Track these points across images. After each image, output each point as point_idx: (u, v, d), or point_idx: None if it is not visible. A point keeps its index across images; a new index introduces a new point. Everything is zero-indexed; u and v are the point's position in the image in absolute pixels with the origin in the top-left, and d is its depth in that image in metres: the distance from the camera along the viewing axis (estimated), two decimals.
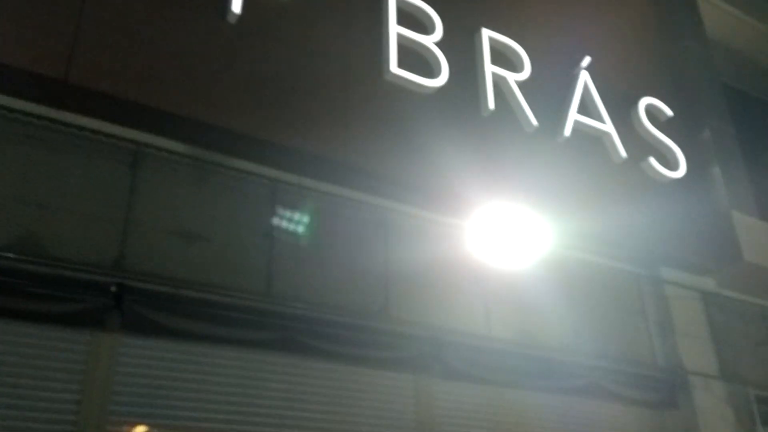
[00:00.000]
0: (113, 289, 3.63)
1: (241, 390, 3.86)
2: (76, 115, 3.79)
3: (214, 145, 4.11)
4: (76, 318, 3.52)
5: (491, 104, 4.97)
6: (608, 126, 5.52)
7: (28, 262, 3.48)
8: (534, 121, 5.11)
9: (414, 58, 4.81)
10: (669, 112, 6.02)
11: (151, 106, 3.70)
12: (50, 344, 3.48)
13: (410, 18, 4.94)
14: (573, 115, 5.37)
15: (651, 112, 5.94)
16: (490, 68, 5.11)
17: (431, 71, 4.84)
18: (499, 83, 5.14)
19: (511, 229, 4.54)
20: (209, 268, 3.99)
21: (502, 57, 5.28)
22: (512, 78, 5.19)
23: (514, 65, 5.33)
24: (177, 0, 4.03)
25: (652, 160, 5.65)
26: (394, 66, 4.65)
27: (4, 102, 3.68)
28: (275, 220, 4.31)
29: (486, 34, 5.23)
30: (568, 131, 5.28)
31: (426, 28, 4.98)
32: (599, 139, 5.51)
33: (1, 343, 3.37)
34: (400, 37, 4.78)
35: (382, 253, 4.59)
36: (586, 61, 5.64)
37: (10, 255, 3.45)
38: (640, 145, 5.72)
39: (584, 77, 5.60)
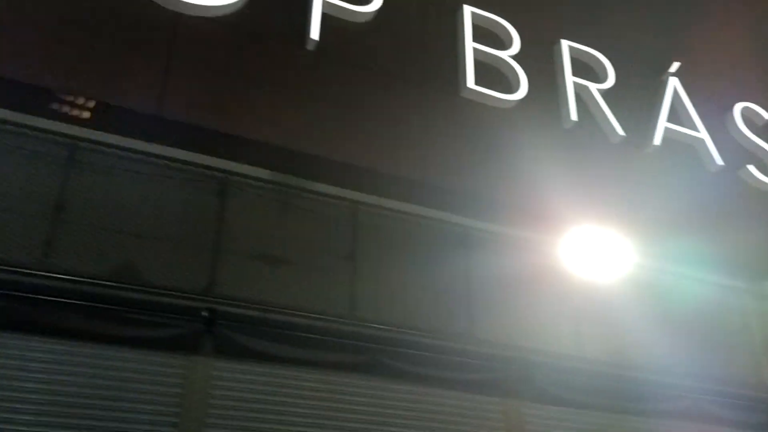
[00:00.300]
0: (205, 314, 3.76)
1: (328, 413, 3.90)
2: (167, 147, 3.96)
3: (296, 170, 4.20)
4: (172, 342, 3.68)
5: (574, 115, 4.83)
6: (702, 133, 5.24)
7: (126, 289, 3.66)
8: (620, 131, 4.92)
9: (492, 73, 4.74)
10: (767, 117, 5.66)
11: (238, 135, 3.81)
12: (149, 368, 3.63)
13: (486, 33, 4.88)
14: (663, 123, 5.13)
15: (747, 116, 5.59)
16: (571, 79, 4.97)
17: (509, 86, 4.76)
18: (582, 94, 4.99)
19: (600, 245, 4.37)
20: (294, 291, 4.08)
21: (583, 67, 5.12)
22: (595, 87, 5.02)
23: (597, 75, 5.15)
24: (258, 31, 4.14)
25: (751, 168, 5.31)
26: (471, 82, 4.60)
27: (100, 137, 3.90)
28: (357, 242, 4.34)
29: (566, 44, 5.09)
30: (658, 140, 5.04)
31: (503, 42, 4.90)
32: (692, 147, 5.24)
33: (103, 368, 3.55)
34: (476, 52, 4.73)
35: (465, 272, 4.53)
36: (675, 66, 5.39)
37: (110, 283, 3.64)
38: (737, 152, 5.39)
39: (673, 83, 5.34)
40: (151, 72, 3.72)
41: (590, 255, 4.47)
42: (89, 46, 3.62)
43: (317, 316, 4.02)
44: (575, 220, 4.39)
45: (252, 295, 3.95)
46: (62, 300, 3.51)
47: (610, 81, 5.11)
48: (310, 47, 4.24)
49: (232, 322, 3.80)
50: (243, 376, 3.80)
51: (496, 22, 4.91)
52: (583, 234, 4.39)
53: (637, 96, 5.20)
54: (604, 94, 5.05)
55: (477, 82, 4.61)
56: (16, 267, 3.48)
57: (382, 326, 4.12)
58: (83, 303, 3.55)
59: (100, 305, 3.58)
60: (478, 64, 4.70)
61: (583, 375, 4.45)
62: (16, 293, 3.41)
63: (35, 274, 3.50)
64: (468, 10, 4.81)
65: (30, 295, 3.45)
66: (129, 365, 3.60)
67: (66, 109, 3.58)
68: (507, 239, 4.63)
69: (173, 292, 3.74)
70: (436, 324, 4.28)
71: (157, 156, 3.99)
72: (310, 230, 4.26)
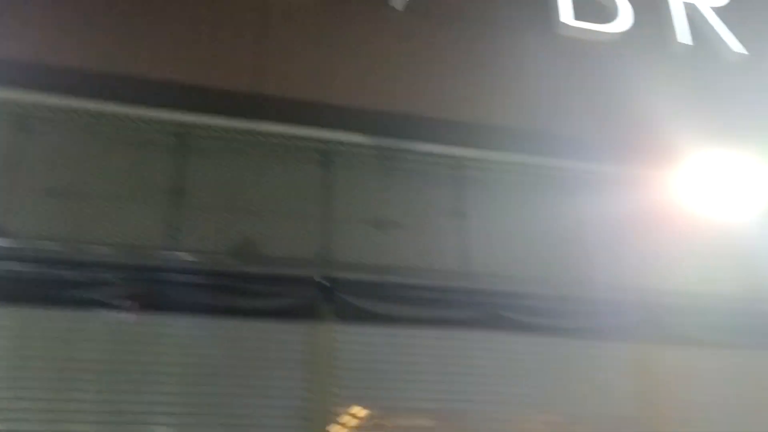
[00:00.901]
0: (322, 281, 3.86)
1: (452, 369, 3.91)
2: (269, 123, 4.05)
3: (396, 132, 4.17)
4: (293, 312, 3.80)
5: (683, 37, 4.48)
6: None
7: (247, 263, 3.81)
8: (738, 48, 4.52)
9: (586, 4, 4.47)
10: None
11: (337, 104, 3.83)
12: (273, 337, 3.78)
13: None
14: None
15: None
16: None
17: (608, 16, 4.47)
18: (692, 15, 4.61)
19: (729, 178, 4.05)
20: (406, 253, 4.09)
21: None
22: (707, 4, 4.63)
23: None
24: None
25: None
26: (566, 17, 4.37)
27: (208, 122, 4.04)
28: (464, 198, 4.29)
29: None
30: None
31: None
32: None
33: (233, 340, 3.73)
34: None
35: (579, 217, 4.35)
36: None
37: (231, 259, 3.80)
38: None
39: None
40: (248, 51, 3.81)
41: (716, 186, 4.16)
42: (187, 34, 3.75)
43: (430, 275, 4.02)
44: (696, 150, 4.09)
45: (365, 259, 4.00)
46: (189, 278, 3.71)
47: None
48: (398, 7, 4.18)
49: (348, 287, 3.87)
50: (364, 339, 3.87)
51: None
52: (705, 164, 4.08)
53: (759, 10, 4.75)
54: (719, 11, 4.65)
55: (573, 17, 4.38)
56: (145, 250, 3.71)
57: (497, 281, 4.05)
58: (208, 280, 3.73)
59: (224, 281, 3.76)
60: None
61: (717, 313, 4.20)
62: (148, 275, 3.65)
63: (163, 256, 3.72)
64: None
65: (161, 276, 3.68)
66: (255, 335, 3.76)
67: (173, 97, 3.74)
68: (622, 178, 4.38)
69: (290, 263, 3.86)
70: (553, 274, 4.15)
71: (259, 133, 4.09)
72: (416, 191, 4.24)
